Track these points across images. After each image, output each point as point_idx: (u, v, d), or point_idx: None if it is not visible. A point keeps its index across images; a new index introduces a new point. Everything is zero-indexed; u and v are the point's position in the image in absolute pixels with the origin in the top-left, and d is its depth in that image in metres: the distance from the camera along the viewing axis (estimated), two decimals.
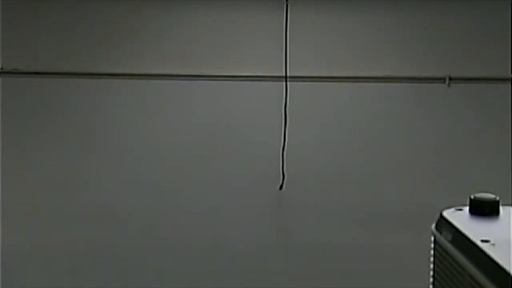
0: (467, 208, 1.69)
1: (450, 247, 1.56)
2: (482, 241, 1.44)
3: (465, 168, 4.44)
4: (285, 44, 4.38)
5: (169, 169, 4.52)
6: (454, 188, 4.23)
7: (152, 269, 4.54)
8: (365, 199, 4.48)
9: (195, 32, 4.48)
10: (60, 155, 4.52)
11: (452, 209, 1.73)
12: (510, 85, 4.35)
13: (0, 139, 4.44)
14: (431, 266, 1.70)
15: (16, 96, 4.49)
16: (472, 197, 1.68)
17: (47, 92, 4.49)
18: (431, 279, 1.71)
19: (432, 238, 1.69)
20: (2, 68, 4.46)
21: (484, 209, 1.66)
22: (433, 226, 1.71)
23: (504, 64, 4.34)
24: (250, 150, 4.50)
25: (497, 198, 1.67)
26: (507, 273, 1.27)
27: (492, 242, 1.43)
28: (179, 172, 4.52)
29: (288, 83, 4.41)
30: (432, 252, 1.69)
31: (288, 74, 4.40)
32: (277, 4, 4.39)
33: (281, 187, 4.47)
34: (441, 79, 4.42)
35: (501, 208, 1.67)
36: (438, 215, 1.71)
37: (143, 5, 4.45)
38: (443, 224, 1.65)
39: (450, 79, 4.42)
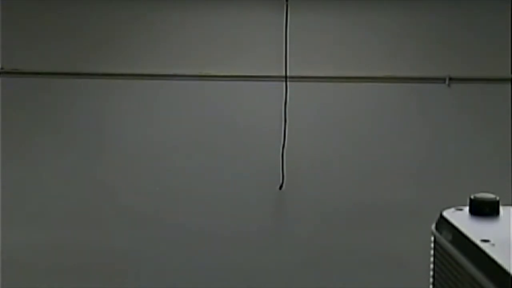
0: (467, 208, 1.69)
1: (450, 247, 1.56)
2: (482, 241, 1.44)
3: (465, 168, 4.44)
4: (285, 44, 4.38)
5: (169, 169, 4.52)
6: (454, 188, 4.23)
7: (153, 267, 4.53)
8: (365, 199, 4.49)
9: (195, 33, 4.48)
10: (60, 155, 4.52)
11: (452, 209, 1.73)
12: (510, 85, 4.35)
13: (0, 139, 4.44)
14: (431, 266, 1.70)
15: (16, 96, 4.49)
16: (472, 197, 1.68)
17: (48, 92, 4.50)
18: (431, 279, 1.71)
19: (432, 238, 1.69)
20: (2, 68, 4.46)
21: (484, 209, 1.65)
22: (433, 226, 1.70)
23: (504, 64, 4.34)
24: (250, 150, 4.50)
25: (497, 198, 1.67)
26: (507, 273, 1.27)
27: (492, 242, 1.43)
28: (179, 171, 4.52)
29: (288, 83, 4.41)
30: (432, 252, 1.69)
31: (288, 74, 4.40)
32: (277, 4, 4.39)
33: (281, 187, 4.47)
34: (441, 79, 4.42)
35: (501, 208, 1.67)
36: (438, 215, 1.71)
37: (143, 6, 4.45)
38: (443, 224, 1.65)
39: (450, 79, 4.42)
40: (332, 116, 4.50)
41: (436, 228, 1.68)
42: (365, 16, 4.44)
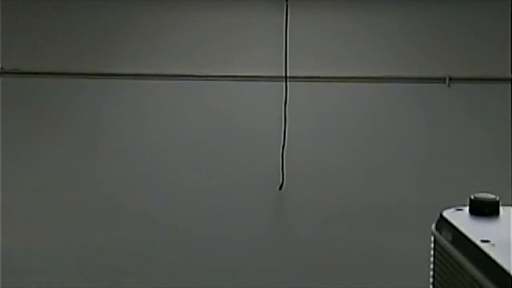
0: (467, 208, 1.69)
1: (450, 247, 1.56)
2: (482, 241, 1.44)
3: (465, 168, 4.44)
4: (285, 44, 4.38)
5: (169, 169, 4.52)
6: (454, 188, 4.23)
7: (152, 267, 4.53)
8: (365, 199, 4.48)
9: (195, 32, 4.48)
10: (60, 155, 4.52)
11: (452, 209, 1.72)
12: (510, 85, 4.35)
13: (0, 139, 4.44)
14: (431, 266, 1.70)
15: (16, 96, 4.49)
16: (472, 197, 1.68)
17: (47, 92, 4.50)
18: (431, 279, 1.70)
19: (432, 238, 1.69)
20: (2, 68, 4.46)
21: (484, 209, 1.65)
22: (433, 226, 1.70)
23: (504, 64, 4.34)
24: (250, 150, 4.50)
25: (497, 198, 1.67)
26: (507, 273, 1.27)
27: (492, 242, 1.43)
28: (179, 171, 4.52)
29: (288, 83, 4.41)
30: (432, 252, 1.69)
31: (288, 74, 4.40)
32: (277, 4, 4.39)
33: (281, 187, 4.47)
34: (441, 79, 4.42)
35: (501, 208, 1.67)
36: (438, 215, 1.71)
37: (143, 6, 4.45)
38: (443, 224, 1.65)
39: (450, 79, 4.42)
40: (332, 116, 4.50)
41: (436, 228, 1.68)
42: (365, 16, 4.44)
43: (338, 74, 4.45)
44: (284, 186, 4.47)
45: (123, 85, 4.49)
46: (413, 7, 4.42)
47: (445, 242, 1.60)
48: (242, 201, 4.52)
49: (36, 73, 4.47)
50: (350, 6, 4.43)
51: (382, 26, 4.45)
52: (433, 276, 1.69)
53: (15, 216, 4.50)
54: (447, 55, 4.45)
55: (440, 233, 1.64)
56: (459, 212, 1.70)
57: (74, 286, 4.52)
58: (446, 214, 1.69)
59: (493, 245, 1.41)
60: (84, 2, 4.46)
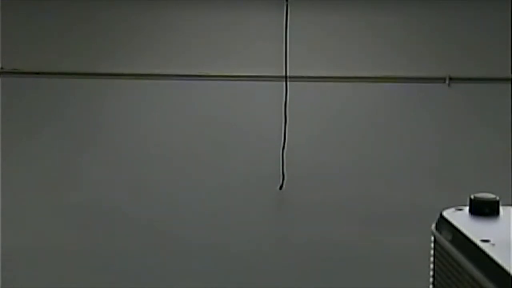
0: (467, 208, 1.69)
1: (450, 247, 1.56)
2: (482, 241, 1.44)
3: (465, 168, 4.44)
4: (285, 44, 4.38)
5: (169, 169, 4.52)
6: (454, 188, 4.23)
7: (151, 269, 4.53)
8: (365, 199, 4.48)
9: (195, 32, 4.48)
10: (60, 155, 4.52)
11: (452, 209, 1.72)
12: (510, 85, 4.35)
13: (0, 139, 4.44)
14: (431, 266, 1.70)
15: (16, 96, 4.49)
16: (472, 197, 1.68)
17: (47, 92, 4.49)
18: (431, 279, 1.70)
19: (432, 238, 1.69)
20: (2, 68, 4.46)
21: (484, 209, 1.65)
22: (433, 226, 1.70)
23: (504, 64, 4.34)
24: (250, 150, 4.50)
25: (497, 198, 1.67)
26: (507, 273, 1.27)
27: (492, 242, 1.43)
28: (179, 172, 4.52)
29: (288, 83, 4.41)
30: (432, 252, 1.69)
31: (288, 74, 4.40)
32: (277, 4, 4.39)
33: (281, 187, 4.47)
34: (441, 79, 4.42)
35: (501, 208, 1.67)
36: (438, 215, 1.71)
37: (143, 6, 4.45)
38: (443, 224, 1.65)
39: (450, 79, 4.42)
40: (332, 116, 4.50)
41: (436, 228, 1.68)
42: (365, 16, 4.44)
43: (338, 74, 4.45)
44: (284, 186, 4.46)
45: (122, 85, 4.49)
46: (413, 6, 4.42)
47: (445, 242, 1.60)
48: (242, 201, 4.51)
49: (36, 73, 4.47)
50: (350, 5, 4.43)
51: (382, 25, 4.45)
52: (433, 276, 1.69)
53: (15, 216, 4.50)
54: (447, 55, 4.45)
55: (440, 233, 1.64)
56: (459, 212, 1.70)
57: (74, 286, 4.52)
58: (446, 214, 1.69)
59: (493, 245, 1.41)
60: (84, 2, 4.45)
